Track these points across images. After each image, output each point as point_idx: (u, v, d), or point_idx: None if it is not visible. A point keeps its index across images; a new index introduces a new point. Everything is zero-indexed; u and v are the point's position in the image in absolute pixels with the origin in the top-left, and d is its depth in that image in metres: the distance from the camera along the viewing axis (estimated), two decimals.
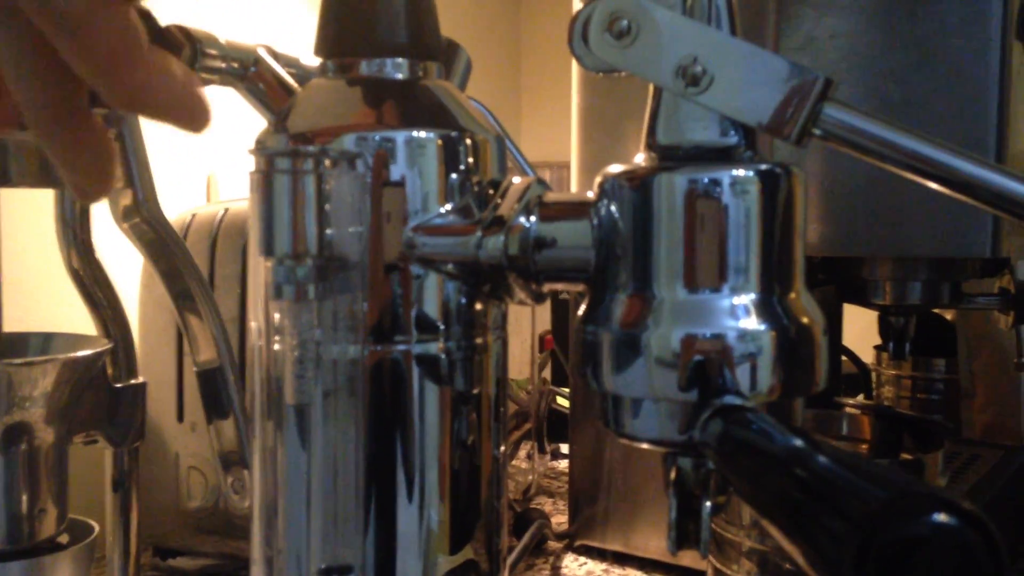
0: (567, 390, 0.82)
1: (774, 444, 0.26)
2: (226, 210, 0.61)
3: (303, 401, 0.32)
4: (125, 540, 0.50)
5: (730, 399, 0.29)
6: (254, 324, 0.33)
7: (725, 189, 0.29)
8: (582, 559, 0.67)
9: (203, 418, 0.62)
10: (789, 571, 0.49)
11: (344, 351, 0.32)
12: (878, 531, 0.19)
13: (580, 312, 0.32)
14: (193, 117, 0.27)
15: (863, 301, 0.64)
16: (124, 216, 0.49)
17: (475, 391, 0.35)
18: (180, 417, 0.63)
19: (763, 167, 0.29)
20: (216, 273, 0.59)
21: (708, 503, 0.31)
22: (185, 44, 0.33)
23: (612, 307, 0.30)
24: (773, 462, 0.26)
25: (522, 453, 0.75)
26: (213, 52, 0.34)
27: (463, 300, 0.33)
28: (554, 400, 0.82)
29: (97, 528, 0.48)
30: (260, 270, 0.31)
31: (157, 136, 0.46)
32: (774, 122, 0.30)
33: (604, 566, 0.65)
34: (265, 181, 0.31)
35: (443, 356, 0.33)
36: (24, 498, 0.44)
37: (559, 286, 0.33)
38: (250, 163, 0.32)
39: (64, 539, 0.47)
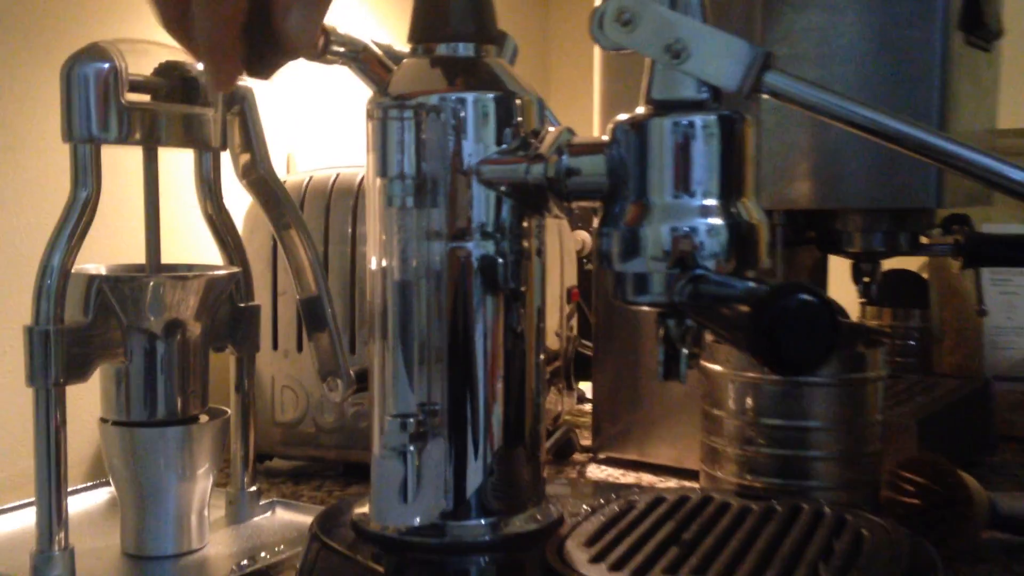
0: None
1: (726, 289, 0.39)
2: (337, 175, 0.74)
3: (406, 279, 0.45)
4: (245, 427, 0.64)
5: (699, 271, 0.42)
6: (372, 225, 0.46)
7: (697, 128, 0.42)
8: (604, 468, 0.80)
9: (295, 346, 0.76)
10: (766, 467, 0.61)
11: (431, 247, 0.46)
12: (767, 305, 0.32)
13: (596, 222, 0.45)
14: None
15: (838, 250, 0.77)
16: (244, 174, 0.63)
17: (523, 288, 0.48)
18: (275, 345, 0.77)
19: (724, 113, 0.42)
20: (331, 227, 0.73)
21: (685, 351, 0.44)
22: (320, 34, 0.47)
23: (620, 213, 0.43)
24: (726, 301, 0.39)
25: (552, 396, 0.88)
26: (337, 41, 0.48)
27: (513, 215, 0.47)
28: (580, 344, 0.94)
29: (230, 412, 0.62)
30: (375, 188, 0.45)
31: None
32: (732, 83, 0.43)
33: (621, 471, 0.78)
34: (381, 126, 0.44)
35: (499, 257, 0.47)
36: (180, 380, 0.58)
37: (584, 203, 0.46)
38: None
39: (205, 418, 0.60)
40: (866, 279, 0.76)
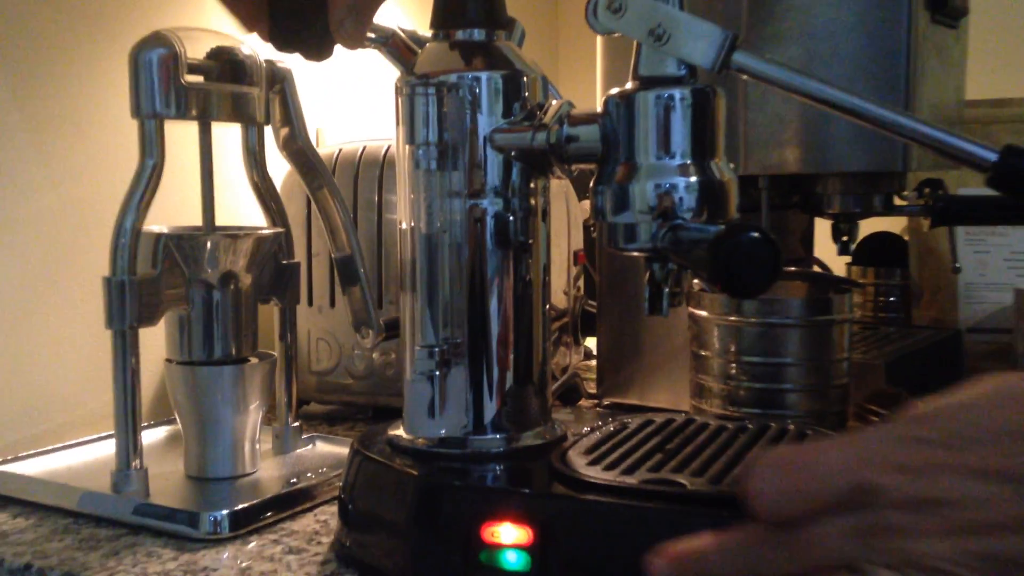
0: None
1: (701, 234, 0.47)
2: (364, 147, 0.83)
3: (431, 232, 0.54)
4: (288, 371, 0.73)
5: (677, 221, 0.49)
6: (401, 186, 0.55)
7: (676, 100, 0.50)
8: (608, 412, 0.88)
9: (328, 302, 0.85)
10: (745, 399, 0.69)
11: (452, 204, 0.54)
12: (722, 239, 0.40)
13: (591, 183, 0.53)
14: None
15: (819, 212, 0.84)
16: (284, 145, 0.71)
17: (530, 241, 0.56)
18: (310, 302, 0.85)
19: (698, 87, 0.50)
20: (359, 195, 0.82)
21: (667, 290, 0.52)
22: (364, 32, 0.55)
23: (612, 173, 0.51)
24: (698, 243, 0.47)
25: (561, 350, 0.97)
26: (371, 28, 0.56)
27: (521, 176, 0.55)
28: (586, 302, 1.03)
29: (276, 355, 0.71)
30: (404, 155, 0.53)
31: None
32: (706, 62, 0.50)
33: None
34: (409, 101, 0.52)
35: (509, 214, 0.55)
36: (234, 325, 0.66)
37: (581, 165, 0.54)
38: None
39: (255, 360, 0.69)
40: (844, 238, 0.84)
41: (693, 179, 0.49)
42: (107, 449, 0.72)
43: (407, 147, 0.53)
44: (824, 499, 0.33)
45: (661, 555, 0.36)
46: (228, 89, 0.66)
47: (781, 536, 0.34)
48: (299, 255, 0.83)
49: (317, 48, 0.50)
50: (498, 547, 0.48)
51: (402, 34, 0.57)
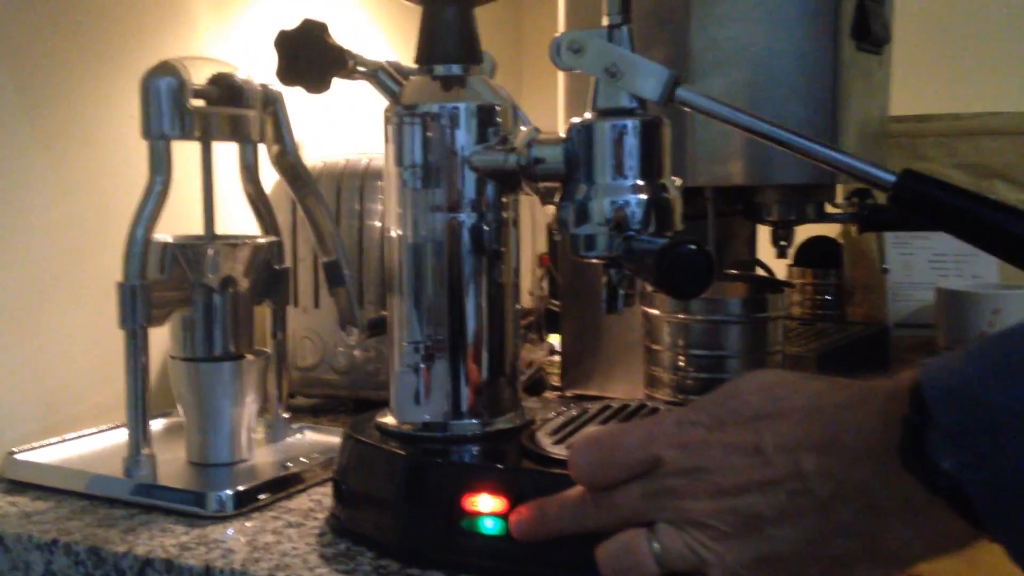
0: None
1: (650, 245, 0.55)
2: (346, 160, 0.90)
3: (416, 242, 0.61)
4: (280, 366, 0.80)
5: (630, 233, 0.57)
6: (389, 202, 0.62)
7: (629, 129, 0.58)
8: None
9: (312, 303, 0.92)
10: (692, 388, 0.78)
11: (435, 218, 0.61)
12: (666, 251, 0.48)
13: (556, 198, 0.61)
14: None
15: (760, 219, 0.93)
16: (276, 161, 0.78)
17: (502, 249, 0.64)
18: (295, 303, 0.92)
19: (648, 118, 0.58)
20: (341, 205, 0.89)
21: (622, 292, 0.60)
22: (349, 60, 0.62)
23: (574, 191, 0.59)
24: (647, 253, 0.55)
25: (527, 347, 1.05)
26: (361, 63, 0.63)
27: (495, 193, 0.63)
28: (550, 303, 1.11)
29: (270, 352, 0.78)
30: (392, 174, 0.61)
31: None
32: (654, 96, 0.58)
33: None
34: (397, 128, 0.60)
35: (484, 226, 0.63)
36: (232, 325, 0.73)
37: (547, 183, 0.62)
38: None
39: (251, 357, 0.76)
40: (782, 243, 0.93)
41: (643, 197, 0.57)
42: (114, 439, 0.79)
43: (395, 168, 0.61)
44: (627, 469, 0.44)
45: (516, 511, 0.49)
46: (227, 112, 0.73)
47: (600, 498, 0.45)
48: (286, 260, 0.90)
49: (317, 83, 0.58)
50: (477, 515, 0.56)
51: (388, 68, 0.64)
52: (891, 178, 0.55)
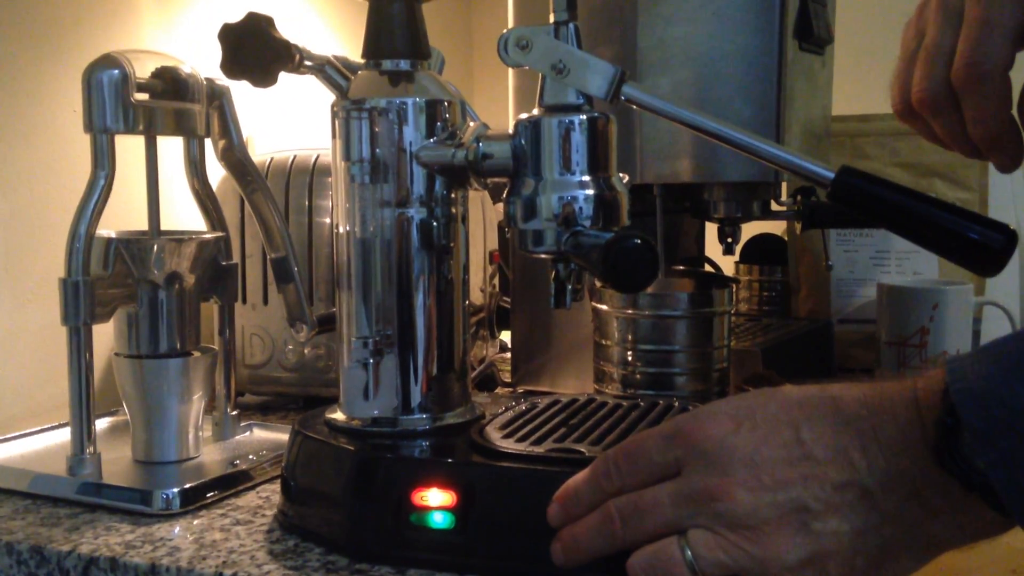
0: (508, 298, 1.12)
1: (596, 239, 0.55)
2: (295, 156, 0.89)
3: (365, 237, 0.61)
4: (227, 363, 0.79)
5: (578, 228, 0.58)
6: (337, 197, 0.62)
7: (575, 124, 0.58)
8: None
9: (261, 300, 0.91)
10: (640, 382, 0.79)
11: (383, 213, 0.61)
12: (612, 245, 0.48)
13: (504, 194, 0.61)
14: None
15: (707, 216, 0.94)
16: (223, 156, 0.77)
17: (452, 244, 0.64)
18: (244, 300, 0.91)
19: (594, 115, 0.59)
20: (290, 200, 0.88)
21: (569, 286, 0.60)
22: (296, 54, 0.62)
23: (522, 186, 0.59)
24: (594, 247, 0.55)
25: (478, 343, 1.05)
26: (308, 57, 0.63)
27: (443, 188, 0.63)
28: (501, 299, 1.11)
29: (217, 349, 0.77)
30: (340, 169, 0.60)
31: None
32: (600, 92, 0.59)
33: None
34: (344, 123, 0.60)
35: (433, 221, 0.63)
36: (178, 322, 0.72)
37: (495, 179, 0.62)
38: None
39: (197, 354, 0.75)
40: (729, 239, 0.94)
41: (591, 192, 0.58)
42: (58, 438, 0.78)
43: (343, 163, 0.61)
44: (652, 469, 0.44)
45: (556, 538, 0.48)
46: (172, 106, 0.73)
47: (626, 510, 0.45)
48: (234, 256, 0.89)
49: (263, 77, 0.57)
50: (426, 509, 0.56)
51: (336, 62, 0.64)
52: (830, 175, 0.56)
